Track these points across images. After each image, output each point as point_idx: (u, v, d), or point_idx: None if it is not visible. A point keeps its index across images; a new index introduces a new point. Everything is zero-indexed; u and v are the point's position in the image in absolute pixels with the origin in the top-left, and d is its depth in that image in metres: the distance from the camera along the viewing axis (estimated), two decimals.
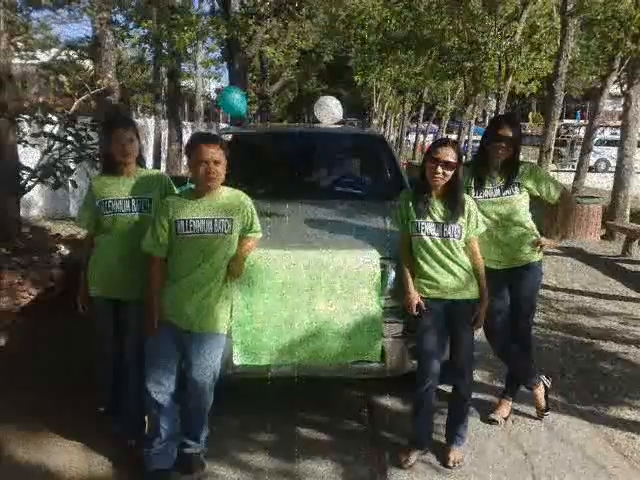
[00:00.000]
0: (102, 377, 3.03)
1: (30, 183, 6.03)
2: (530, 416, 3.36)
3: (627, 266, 7.25)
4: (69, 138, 6.00)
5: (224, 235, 2.58)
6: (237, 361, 2.88)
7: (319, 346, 2.90)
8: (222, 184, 2.62)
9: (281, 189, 4.10)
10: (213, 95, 26.67)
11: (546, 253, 3.37)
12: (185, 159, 2.74)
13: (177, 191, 2.87)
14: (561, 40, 9.77)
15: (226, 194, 2.64)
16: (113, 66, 7.06)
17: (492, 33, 13.00)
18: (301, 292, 2.88)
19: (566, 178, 12.81)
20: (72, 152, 6.04)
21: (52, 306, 4.71)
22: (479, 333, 3.04)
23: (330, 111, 5.08)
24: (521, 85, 15.76)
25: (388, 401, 3.52)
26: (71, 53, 11.13)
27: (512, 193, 3.02)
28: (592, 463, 2.93)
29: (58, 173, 5.95)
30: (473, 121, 19.79)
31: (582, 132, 19.34)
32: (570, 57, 10.24)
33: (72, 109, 6.04)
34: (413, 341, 2.92)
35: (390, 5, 14.52)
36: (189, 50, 13.14)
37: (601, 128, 20.47)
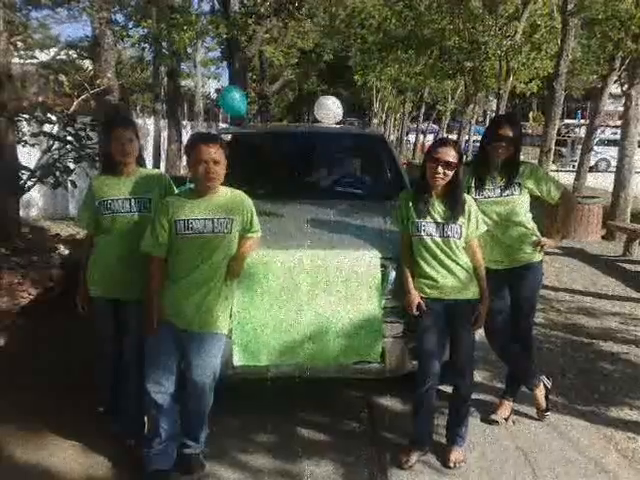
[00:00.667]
0: (102, 377, 3.04)
1: (29, 183, 6.03)
2: (530, 417, 3.36)
3: (627, 266, 7.25)
4: (68, 138, 6.00)
5: (224, 235, 2.59)
6: (237, 361, 2.88)
7: (319, 346, 2.90)
8: (222, 184, 2.62)
9: (281, 189, 4.10)
10: (213, 95, 26.69)
11: (547, 253, 3.37)
12: (185, 159, 2.74)
13: (177, 191, 2.88)
14: (562, 39, 9.78)
15: (226, 194, 2.64)
16: (113, 65, 7.07)
17: (493, 32, 12.99)
18: (301, 292, 2.89)
19: (566, 178, 12.82)
20: (71, 152, 6.05)
21: (52, 306, 4.71)
22: (479, 333, 3.04)
23: (330, 111, 5.09)
24: (522, 85, 15.76)
25: (388, 401, 3.52)
26: (70, 53, 11.13)
27: (512, 193, 3.02)
28: (592, 463, 2.93)
29: (57, 173, 5.95)
30: (474, 121, 19.79)
31: (583, 132, 19.32)
32: (571, 56, 10.25)
33: (71, 109, 6.05)
34: (413, 341, 2.92)
35: (390, 4, 14.52)
36: (189, 50, 13.14)
37: (602, 128, 20.45)
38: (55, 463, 2.83)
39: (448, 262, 2.77)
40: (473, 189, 3.03)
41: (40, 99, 6.09)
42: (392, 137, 31.86)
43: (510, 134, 2.93)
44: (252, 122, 13.38)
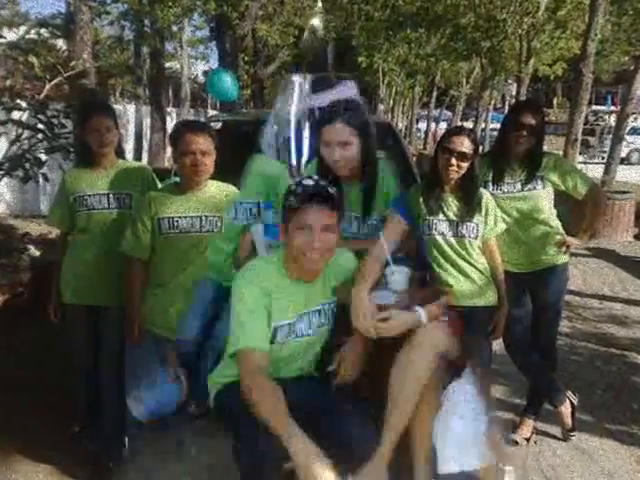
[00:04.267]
0: (78, 390, 3.03)
1: None
2: (555, 437, 3.36)
3: None
4: (40, 126, 5.99)
5: (213, 234, 2.59)
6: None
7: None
8: (210, 178, 2.62)
9: None
10: (201, 78, 26.72)
11: (572, 254, 3.38)
12: (169, 150, 2.74)
13: (160, 185, 2.88)
14: (589, 17, 9.78)
15: (215, 189, 2.64)
16: (89, 46, 7.06)
17: (512, 9, 13.02)
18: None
19: (595, 171, 12.82)
20: (43, 142, 6.04)
21: (21, 312, 4.71)
22: (498, 344, 3.04)
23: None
24: (545, 67, 15.80)
25: None
26: (42, 31, 11.13)
27: (534, 188, 3.02)
28: None
29: (27, 165, 5.94)
30: (491, 107, 19.83)
31: (613, 119, 19.35)
32: (599, 36, 10.25)
33: (43, 94, 6.04)
34: None
35: None
36: (174, 28, 13.14)
37: (634, 115, 20.50)
38: None
39: (463, 264, 2.77)
40: (490, 183, 3.03)
41: (8, 83, 6.09)
42: (400, 125, 31.91)
43: (532, 122, 2.93)
44: (244, 108, 13.39)
